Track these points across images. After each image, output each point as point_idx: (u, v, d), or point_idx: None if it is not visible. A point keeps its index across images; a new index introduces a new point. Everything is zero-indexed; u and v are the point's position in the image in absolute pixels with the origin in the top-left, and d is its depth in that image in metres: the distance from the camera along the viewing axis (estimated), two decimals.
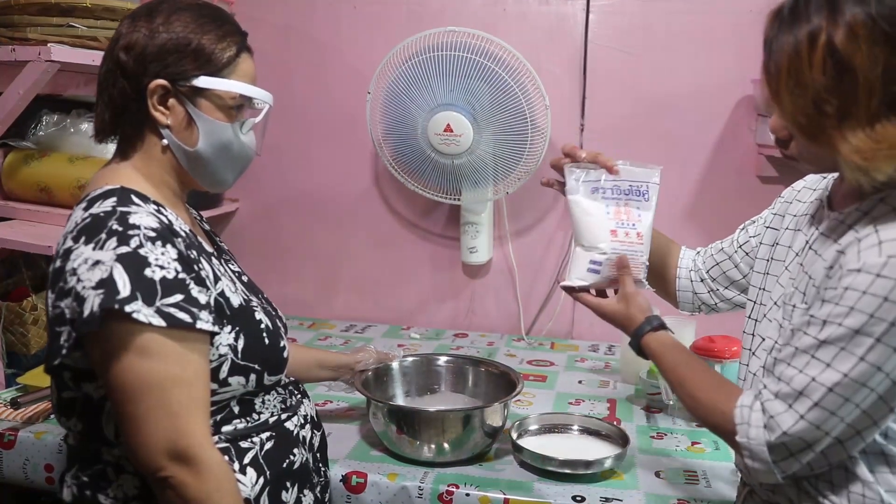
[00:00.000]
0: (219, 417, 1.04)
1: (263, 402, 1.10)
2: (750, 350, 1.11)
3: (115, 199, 0.99)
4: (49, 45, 1.52)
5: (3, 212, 1.87)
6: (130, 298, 0.91)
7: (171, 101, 1.04)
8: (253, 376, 1.06)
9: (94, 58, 1.58)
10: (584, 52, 2.10)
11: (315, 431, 1.22)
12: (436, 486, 1.35)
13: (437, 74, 1.94)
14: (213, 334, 0.99)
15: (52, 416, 1.55)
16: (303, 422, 1.17)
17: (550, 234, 2.22)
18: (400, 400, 1.62)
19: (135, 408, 0.93)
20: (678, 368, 1.09)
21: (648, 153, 2.12)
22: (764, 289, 1.12)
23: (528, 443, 1.46)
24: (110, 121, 1.07)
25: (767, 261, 1.14)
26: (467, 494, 1.33)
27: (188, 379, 0.95)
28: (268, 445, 1.08)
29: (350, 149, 2.29)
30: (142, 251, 0.94)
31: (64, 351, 0.94)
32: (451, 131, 1.95)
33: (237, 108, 1.08)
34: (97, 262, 0.92)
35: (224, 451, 1.02)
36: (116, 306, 0.90)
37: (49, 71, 1.54)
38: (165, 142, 1.06)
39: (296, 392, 1.20)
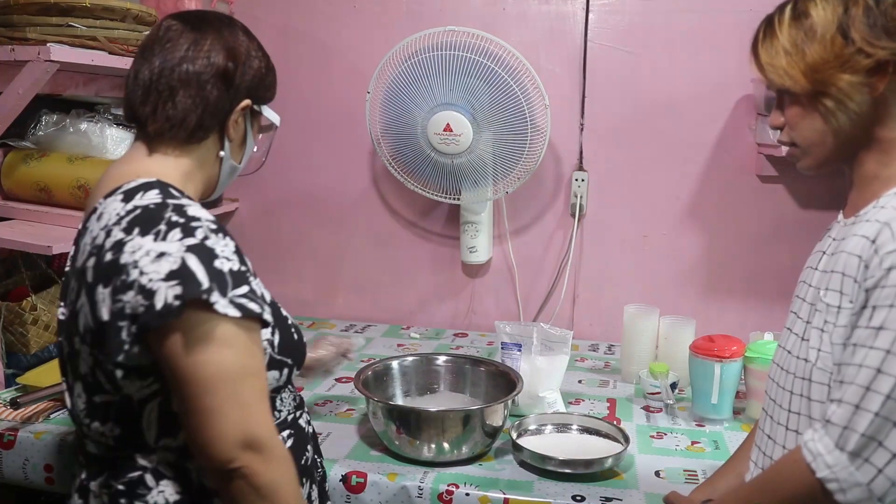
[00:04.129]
0: None
1: (282, 400, 1.12)
2: (778, 364, 1.08)
3: (157, 191, 0.99)
4: (48, 44, 1.51)
5: (2, 212, 1.87)
6: (210, 289, 0.90)
7: (239, 120, 1.09)
8: (286, 370, 1.07)
9: (94, 57, 1.58)
10: (584, 51, 2.10)
11: (311, 426, 1.23)
12: (436, 485, 1.35)
13: (437, 74, 1.94)
14: (265, 326, 0.99)
15: (53, 416, 1.56)
16: (308, 418, 1.19)
17: (550, 234, 2.22)
18: (399, 400, 1.62)
19: (211, 400, 0.91)
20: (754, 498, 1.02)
21: (648, 153, 2.12)
22: (795, 313, 1.09)
23: (527, 442, 1.46)
24: (199, 118, 1.05)
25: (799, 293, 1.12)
26: (467, 494, 1.33)
27: (256, 369, 0.96)
28: (289, 443, 1.09)
29: (350, 148, 2.29)
30: (208, 243, 0.94)
31: (126, 346, 0.92)
32: (451, 131, 1.95)
33: None
34: (162, 254, 0.91)
35: None
36: (203, 297, 0.89)
37: (48, 71, 1.54)
38: (223, 153, 1.10)
39: (294, 390, 1.21)
